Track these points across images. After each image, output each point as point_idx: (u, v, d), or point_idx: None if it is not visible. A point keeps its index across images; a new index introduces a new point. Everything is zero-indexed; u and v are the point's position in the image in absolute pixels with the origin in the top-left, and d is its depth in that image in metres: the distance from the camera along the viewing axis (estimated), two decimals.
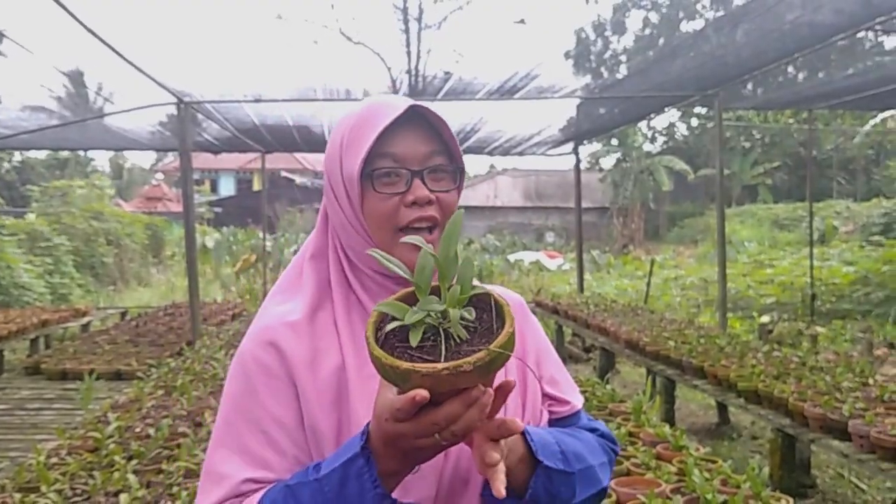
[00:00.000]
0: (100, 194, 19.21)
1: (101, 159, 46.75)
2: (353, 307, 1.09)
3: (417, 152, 1.08)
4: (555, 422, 1.18)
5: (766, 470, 3.06)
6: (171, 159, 35.73)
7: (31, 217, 16.65)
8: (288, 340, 1.04)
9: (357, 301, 1.09)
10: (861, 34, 6.19)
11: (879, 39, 6.65)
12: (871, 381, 4.82)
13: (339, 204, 1.09)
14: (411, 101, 1.06)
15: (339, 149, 1.08)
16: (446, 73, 6.76)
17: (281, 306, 1.10)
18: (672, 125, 32.74)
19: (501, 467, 0.89)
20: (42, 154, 31.80)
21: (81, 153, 33.71)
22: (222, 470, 1.01)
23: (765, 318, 10.54)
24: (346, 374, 1.03)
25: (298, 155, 35.47)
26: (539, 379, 1.17)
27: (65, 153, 31.10)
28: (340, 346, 1.05)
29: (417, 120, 1.08)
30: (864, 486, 5.39)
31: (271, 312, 1.09)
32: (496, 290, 1.13)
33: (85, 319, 10.00)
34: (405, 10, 5.11)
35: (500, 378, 0.91)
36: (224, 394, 1.07)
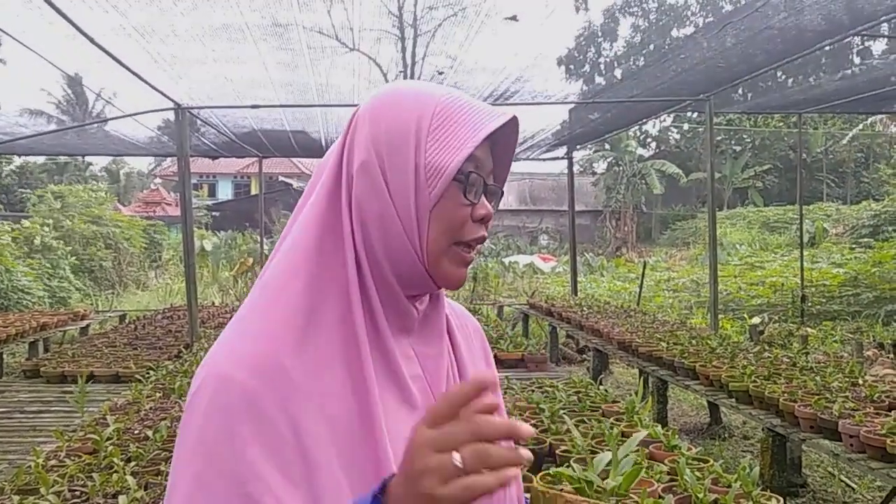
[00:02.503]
0: (99, 198, 19.21)
1: (98, 164, 46.65)
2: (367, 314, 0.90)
3: (487, 165, 0.95)
4: None
5: (757, 469, 3.11)
6: (170, 164, 35.66)
7: (28, 222, 16.63)
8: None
9: (370, 308, 0.90)
10: (848, 39, 6.28)
11: (866, 44, 6.74)
12: (860, 381, 4.87)
13: (390, 193, 0.89)
14: (504, 112, 0.95)
15: (415, 132, 0.90)
16: (439, 72, 6.81)
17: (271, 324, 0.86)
18: (664, 130, 32.87)
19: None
20: (40, 159, 31.73)
21: (80, 158, 33.65)
22: None
23: (756, 320, 10.62)
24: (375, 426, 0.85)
25: (296, 159, 35.49)
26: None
27: (63, 158, 31.04)
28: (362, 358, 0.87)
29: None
30: (854, 485, 5.45)
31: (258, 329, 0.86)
32: (458, 308, 1.10)
33: (84, 323, 10.02)
34: (400, 17, 5.17)
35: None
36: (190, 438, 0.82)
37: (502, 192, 1.00)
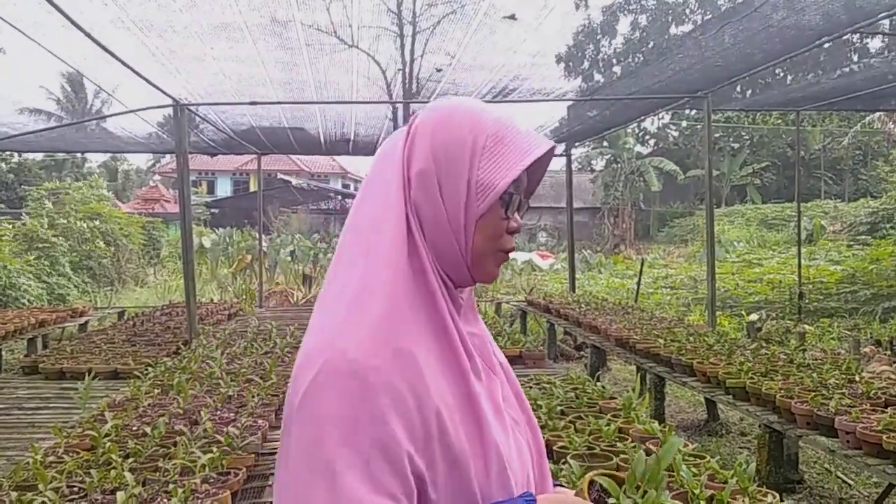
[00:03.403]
0: (98, 195, 19.20)
1: (96, 161, 46.60)
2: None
3: (523, 184, 1.09)
4: None
5: (754, 465, 3.12)
6: (169, 161, 35.67)
7: (27, 218, 16.63)
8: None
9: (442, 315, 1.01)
10: (846, 37, 6.28)
11: (865, 42, 6.74)
12: (857, 378, 4.89)
13: (443, 201, 1.01)
14: (546, 140, 1.07)
15: (470, 149, 1.02)
16: (438, 69, 6.81)
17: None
18: (662, 127, 32.90)
19: None
20: (39, 155, 31.70)
21: (78, 155, 33.62)
22: (364, 500, 0.86)
23: (753, 317, 10.64)
24: (478, 399, 0.99)
25: (294, 157, 35.45)
26: None
27: (61, 155, 31.01)
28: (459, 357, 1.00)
29: None
30: (850, 482, 5.47)
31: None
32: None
33: (82, 319, 10.03)
34: (399, 15, 5.16)
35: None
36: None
37: (529, 206, 1.13)
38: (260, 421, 3.80)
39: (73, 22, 4.76)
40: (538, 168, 1.10)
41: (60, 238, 15.98)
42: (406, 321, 0.95)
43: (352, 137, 10.04)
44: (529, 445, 1.10)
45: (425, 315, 0.98)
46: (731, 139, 32.51)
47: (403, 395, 0.90)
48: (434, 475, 0.92)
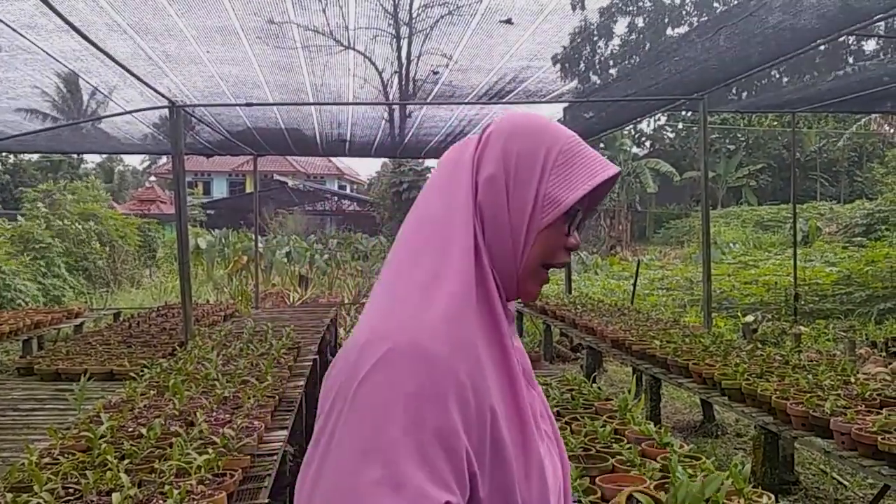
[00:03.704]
0: (94, 196, 19.18)
1: (92, 161, 46.56)
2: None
3: (585, 202, 1.09)
4: None
5: (749, 466, 3.14)
6: (165, 162, 35.67)
7: (23, 220, 16.60)
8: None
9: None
10: (842, 39, 6.30)
11: (860, 44, 6.76)
12: (852, 379, 4.90)
13: (510, 212, 1.03)
14: (613, 165, 1.09)
15: (542, 162, 1.04)
16: (434, 72, 6.81)
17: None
18: (659, 129, 32.98)
19: None
20: (34, 156, 31.65)
21: (74, 156, 33.56)
22: (424, 488, 0.85)
23: (749, 318, 10.67)
24: (526, 406, 1.01)
25: (291, 158, 35.45)
26: None
27: (57, 155, 30.97)
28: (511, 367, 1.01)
29: None
30: (846, 483, 5.48)
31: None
32: None
33: (78, 320, 10.01)
34: (395, 16, 5.12)
35: None
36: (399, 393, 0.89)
37: (585, 225, 1.17)
38: (256, 422, 3.80)
39: (70, 24, 4.75)
40: (600, 191, 1.11)
41: (56, 239, 15.96)
42: (472, 319, 0.96)
43: (348, 139, 10.04)
44: (561, 460, 1.12)
45: (487, 318, 0.99)
46: (728, 141, 32.59)
47: (466, 388, 0.91)
48: (482, 473, 0.92)
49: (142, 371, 5.25)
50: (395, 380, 0.88)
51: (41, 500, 2.66)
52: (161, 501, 2.70)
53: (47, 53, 5.74)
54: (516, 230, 1.03)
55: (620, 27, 6.03)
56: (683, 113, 21.91)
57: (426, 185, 1.10)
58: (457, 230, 1.00)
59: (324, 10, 5.14)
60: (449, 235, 1.00)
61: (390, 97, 7.57)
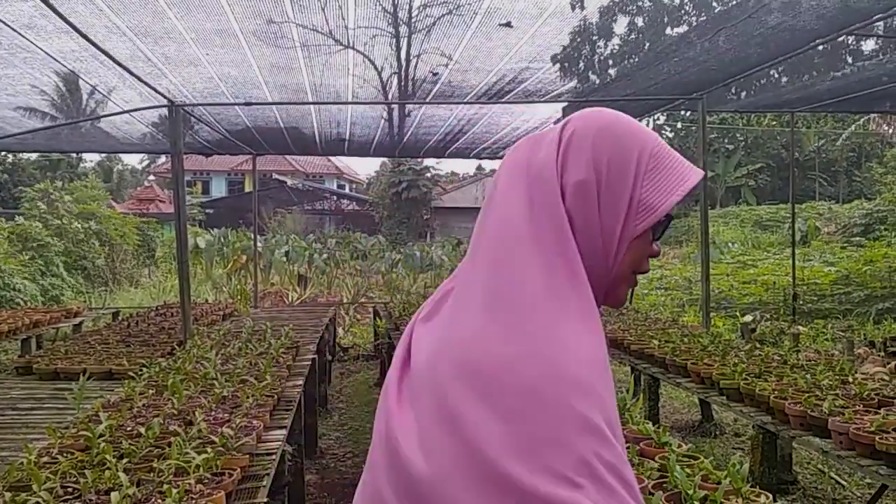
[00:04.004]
0: (93, 195, 19.19)
1: (91, 160, 46.56)
2: None
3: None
4: None
5: (747, 466, 3.13)
6: (164, 161, 35.66)
7: (21, 219, 16.60)
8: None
9: None
10: (841, 39, 6.31)
11: (859, 44, 6.76)
12: (850, 379, 4.90)
13: (601, 219, 0.98)
14: (699, 169, 1.05)
15: (634, 167, 0.99)
16: (434, 73, 6.81)
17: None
18: (658, 128, 32.98)
19: None
20: (33, 155, 31.65)
21: (73, 155, 33.55)
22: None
23: (747, 318, 10.67)
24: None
25: (289, 157, 35.45)
26: None
27: (55, 155, 30.96)
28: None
29: None
30: (843, 483, 5.49)
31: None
32: None
33: (77, 320, 10.02)
34: (395, 15, 5.11)
35: None
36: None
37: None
38: (255, 422, 3.80)
39: (70, 24, 4.75)
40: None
41: (55, 238, 15.96)
42: (593, 338, 0.93)
43: (347, 138, 10.04)
44: None
45: (593, 325, 0.96)
46: (726, 141, 32.61)
47: (612, 416, 0.89)
48: None
49: (140, 370, 5.25)
50: (554, 411, 0.85)
51: (40, 500, 2.66)
52: (160, 500, 2.70)
53: (46, 53, 5.75)
54: (608, 238, 0.99)
55: (620, 27, 6.03)
56: (682, 112, 21.93)
57: (502, 186, 1.02)
58: (555, 238, 0.95)
59: (323, 10, 5.15)
60: (545, 244, 0.95)
61: (389, 97, 7.57)
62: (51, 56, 5.86)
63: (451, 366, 0.90)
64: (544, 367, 0.87)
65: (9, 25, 5.08)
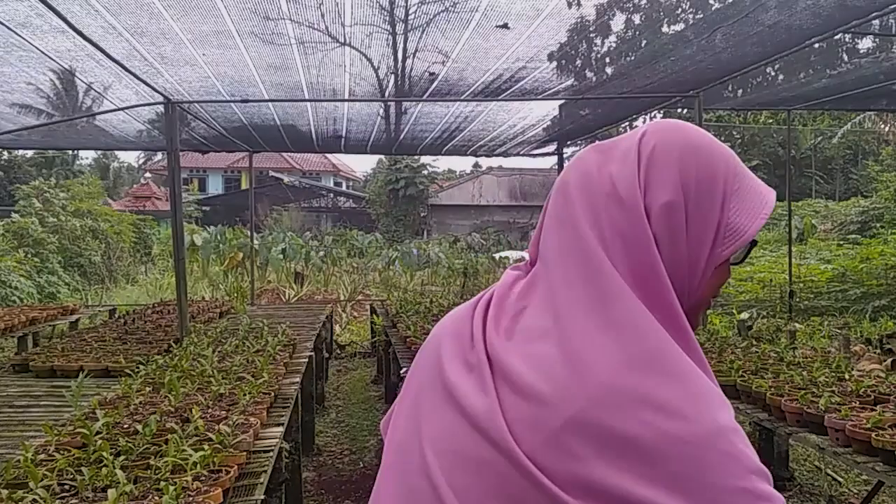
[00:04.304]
0: (89, 192, 19.16)
1: (87, 158, 46.52)
2: None
3: None
4: None
5: None
6: (160, 158, 35.66)
7: (17, 216, 16.57)
8: None
9: None
10: (837, 37, 6.32)
11: (855, 42, 6.77)
12: (846, 376, 4.91)
13: (688, 244, 0.91)
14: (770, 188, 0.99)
15: (723, 187, 0.92)
16: (431, 74, 6.82)
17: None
18: None
19: None
20: (29, 153, 31.61)
21: (68, 152, 33.51)
22: None
23: (744, 315, 10.69)
24: None
25: (286, 154, 35.44)
26: None
27: (51, 152, 30.92)
28: None
29: None
30: (840, 479, 5.51)
31: None
32: None
33: (73, 317, 10.00)
34: (391, 12, 5.11)
35: None
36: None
37: None
38: (251, 419, 3.80)
39: (67, 22, 4.74)
40: None
41: (51, 236, 15.93)
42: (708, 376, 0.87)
43: (344, 135, 10.03)
44: None
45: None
46: (723, 138, 32.61)
47: None
48: None
49: (137, 368, 5.24)
50: (734, 469, 0.81)
51: (36, 497, 2.66)
52: (156, 498, 2.70)
53: (42, 52, 5.74)
54: (693, 265, 0.91)
55: (617, 24, 6.03)
56: (679, 110, 21.98)
57: (573, 204, 0.93)
58: (648, 267, 0.88)
59: (319, 6, 5.14)
60: (641, 275, 0.88)
61: (386, 94, 7.56)
62: (46, 55, 5.85)
63: (595, 424, 0.80)
64: (699, 425, 0.80)
65: (4, 24, 5.08)
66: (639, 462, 0.78)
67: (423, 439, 0.91)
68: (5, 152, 29.34)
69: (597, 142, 1.01)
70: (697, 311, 0.96)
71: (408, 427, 0.95)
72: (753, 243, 0.95)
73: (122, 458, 3.13)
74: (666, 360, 0.83)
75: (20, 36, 5.32)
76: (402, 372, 5.82)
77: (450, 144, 10.81)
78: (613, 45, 6.41)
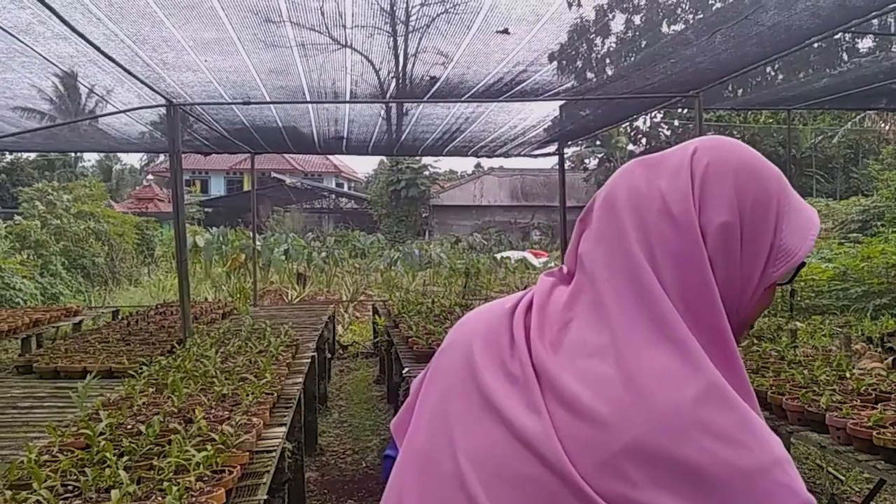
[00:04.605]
0: (91, 194, 19.19)
1: (90, 160, 46.60)
2: None
3: None
4: None
5: None
6: (162, 160, 35.69)
7: (20, 218, 16.61)
8: None
9: None
10: (837, 36, 6.32)
11: (855, 41, 6.78)
12: (848, 374, 4.93)
13: (741, 265, 0.89)
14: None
15: (776, 207, 0.91)
16: (432, 77, 6.84)
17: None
18: (654, 126, 33.03)
19: None
20: (31, 155, 31.65)
21: (71, 154, 33.54)
22: None
23: None
24: None
25: (288, 155, 35.46)
26: None
27: (54, 154, 30.96)
28: None
29: None
30: (841, 477, 5.52)
31: None
32: None
33: (76, 319, 10.02)
34: (392, 14, 5.12)
35: None
36: None
37: None
38: (254, 419, 3.82)
39: (70, 26, 4.76)
40: None
41: (53, 238, 15.97)
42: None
43: (345, 136, 10.05)
44: None
45: None
46: None
47: None
48: None
49: (140, 369, 5.26)
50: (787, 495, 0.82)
51: (40, 498, 2.67)
52: (160, 498, 2.71)
53: (44, 58, 5.78)
54: (745, 284, 0.90)
55: (617, 24, 6.04)
56: (679, 110, 21.98)
57: (621, 219, 0.91)
58: (703, 290, 0.86)
59: (320, 8, 5.16)
60: (693, 298, 0.86)
61: (387, 95, 7.58)
62: (49, 60, 5.88)
63: (659, 457, 0.79)
64: (757, 455, 0.80)
65: (8, 31, 5.12)
66: (696, 490, 0.77)
67: (457, 448, 0.88)
68: (7, 154, 29.39)
69: (642, 156, 0.99)
70: (742, 331, 0.95)
71: (434, 432, 0.92)
72: (802, 264, 0.94)
73: (125, 458, 3.15)
74: (723, 390, 0.81)
75: (23, 42, 5.35)
76: (404, 372, 5.83)
77: (451, 145, 10.83)
78: (613, 45, 6.42)
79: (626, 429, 0.79)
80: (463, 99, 7.64)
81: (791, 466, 0.82)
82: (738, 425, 0.80)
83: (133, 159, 53.02)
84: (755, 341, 6.61)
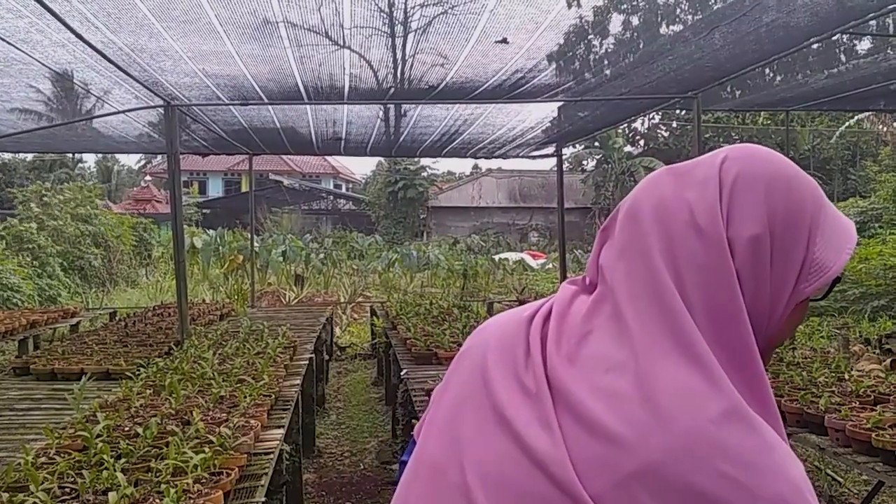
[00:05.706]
0: (88, 196, 19.15)
1: (88, 161, 46.58)
2: None
3: None
4: None
5: None
6: (160, 161, 35.66)
7: (16, 220, 16.57)
8: None
9: None
10: (836, 37, 6.32)
11: (853, 43, 6.78)
12: (846, 376, 4.93)
13: (771, 280, 0.85)
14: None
15: (809, 220, 0.87)
16: (430, 86, 6.87)
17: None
18: (653, 127, 33.09)
19: None
20: (27, 156, 31.64)
21: (68, 155, 33.52)
22: None
23: None
24: None
25: (286, 157, 35.45)
26: None
27: (51, 155, 30.93)
28: None
29: None
30: (840, 479, 5.52)
31: None
32: None
33: (74, 320, 10.00)
34: (391, 15, 5.12)
35: None
36: None
37: None
38: (252, 421, 3.81)
39: (68, 27, 4.75)
40: None
41: (50, 240, 15.94)
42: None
43: (343, 137, 10.04)
44: None
45: None
46: (721, 139, 32.66)
47: None
48: None
49: (138, 370, 5.25)
50: None
51: (37, 500, 2.67)
52: (157, 500, 2.71)
53: (42, 63, 5.79)
54: (775, 301, 0.86)
55: (615, 25, 6.04)
56: (677, 111, 22.02)
57: (646, 231, 0.88)
58: (730, 306, 0.82)
59: (319, 9, 5.15)
60: (718, 314, 0.82)
61: (385, 96, 7.57)
62: (46, 66, 5.90)
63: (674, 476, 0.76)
64: (777, 481, 0.76)
65: (6, 40, 5.13)
66: None
67: (465, 460, 0.86)
68: (4, 155, 29.37)
69: (671, 164, 0.96)
70: (771, 349, 0.91)
71: (444, 442, 0.90)
72: (837, 279, 0.89)
73: (122, 460, 3.14)
74: (743, 412, 0.78)
75: (21, 50, 5.36)
76: (402, 374, 5.82)
77: (449, 147, 10.82)
78: (612, 46, 6.42)
79: (641, 451, 0.76)
80: (462, 100, 7.64)
81: (809, 489, 0.79)
82: (757, 450, 0.77)
83: (130, 160, 53.11)
84: None
